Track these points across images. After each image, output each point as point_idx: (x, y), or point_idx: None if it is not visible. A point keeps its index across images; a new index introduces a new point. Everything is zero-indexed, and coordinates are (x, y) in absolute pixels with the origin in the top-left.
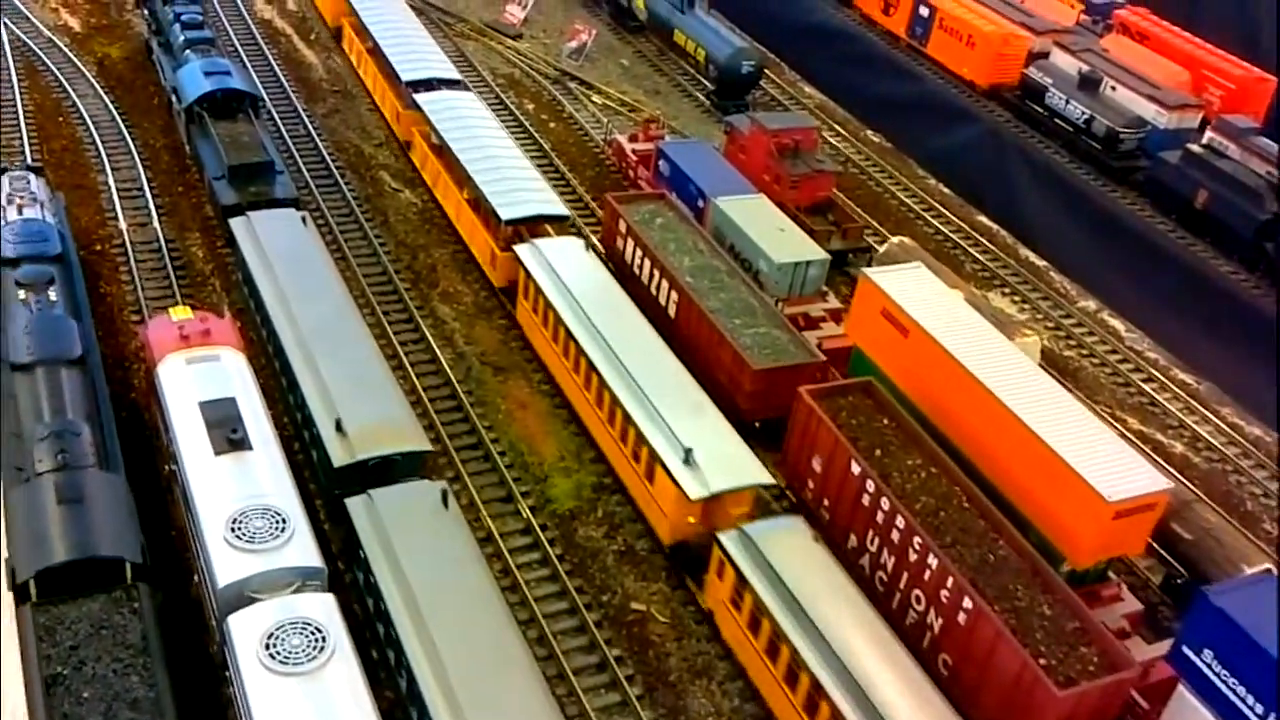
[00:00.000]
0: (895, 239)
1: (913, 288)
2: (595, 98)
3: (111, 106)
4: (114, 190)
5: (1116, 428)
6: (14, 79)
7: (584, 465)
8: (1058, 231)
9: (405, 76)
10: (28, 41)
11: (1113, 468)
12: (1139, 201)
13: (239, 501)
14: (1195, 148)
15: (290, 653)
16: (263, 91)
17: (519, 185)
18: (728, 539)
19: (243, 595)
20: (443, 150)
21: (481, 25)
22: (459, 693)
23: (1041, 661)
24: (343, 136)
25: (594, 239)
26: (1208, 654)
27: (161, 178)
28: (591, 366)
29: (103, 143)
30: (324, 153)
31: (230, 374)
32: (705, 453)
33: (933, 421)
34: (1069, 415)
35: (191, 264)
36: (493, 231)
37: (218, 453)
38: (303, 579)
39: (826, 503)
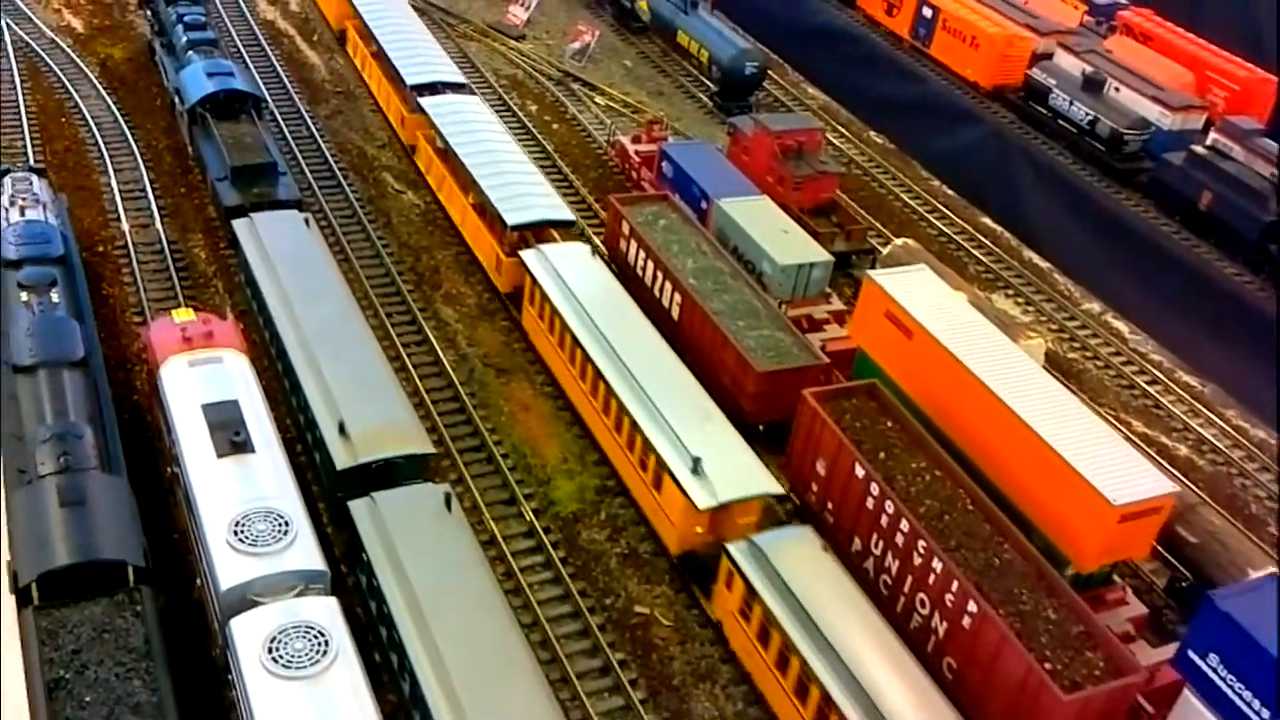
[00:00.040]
0: (899, 241)
1: (917, 290)
2: (598, 99)
3: (114, 107)
4: (116, 191)
5: (1120, 430)
6: (16, 80)
7: (587, 467)
8: (1061, 233)
9: (410, 80)
10: (30, 42)
11: (1118, 471)
12: (1143, 203)
13: (241, 504)
14: (1199, 149)
15: (293, 656)
16: (265, 92)
17: (525, 190)
18: (736, 549)
19: (245, 598)
20: (448, 155)
21: (484, 26)
22: (462, 696)
23: (1047, 666)
24: (345, 138)
25: (597, 240)
26: (1213, 658)
27: (164, 179)
28: (598, 374)
29: (105, 144)
30: (326, 154)
31: (233, 376)
32: (713, 462)
33: (937, 424)
34: (1074, 418)
35: (194, 265)
36: (498, 237)
37: (220, 455)
38: (305, 582)
39: (830, 506)
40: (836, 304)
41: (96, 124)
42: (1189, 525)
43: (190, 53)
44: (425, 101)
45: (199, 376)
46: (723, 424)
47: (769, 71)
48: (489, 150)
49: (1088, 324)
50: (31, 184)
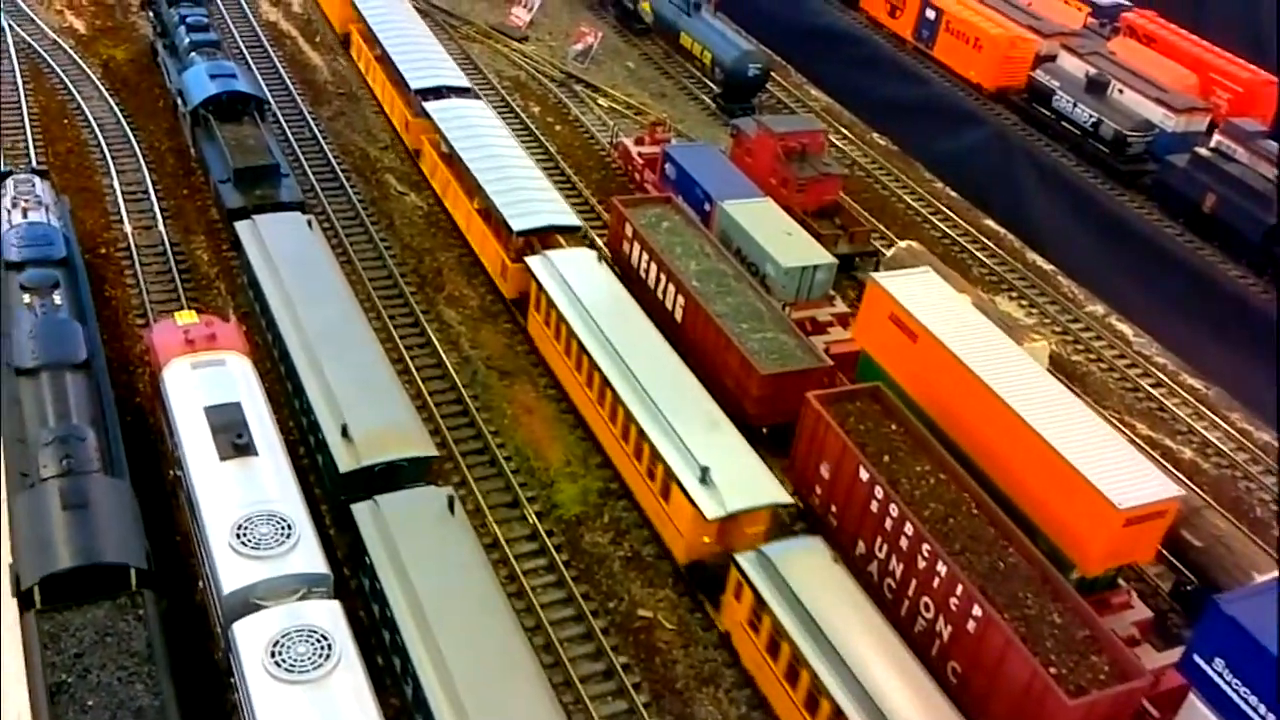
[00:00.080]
0: (903, 243)
1: (921, 292)
2: (601, 100)
3: (116, 109)
4: (119, 193)
5: (1125, 433)
6: (19, 81)
7: (590, 470)
8: (1065, 235)
9: (414, 85)
10: (33, 43)
11: (1123, 474)
12: (1146, 205)
13: (244, 507)
14: (1203, 151)
15: (296, 660)
16: (268, 94)
17: (530, 195)
18: (745, 560)
19: (248, 602)
20: (453, 159)
21: (487, 28)
22: (465, 700)
23: (1052, 670)
24: (348, 139)
25: (602, 244)
26: (1219, 662)
27: (166, 181)
28: (605, 382)
29: (108, 145)
30: (329, 155)
31: (236, 379)
32: (721, 471)
33: (941, 427)
34: (1079, 421)
35: (196, 267)
36: (504, 242)
37: (223, 458)
38: (308, 586)
39: (834, 509)
40: (840, 306)
41: (99, 125)
42: (1194, 529)
43: (193, 54)
44: (430, 106)
45: (201, 379)
46: (731, 432)
47: (772, 73)
48: (494, 155)
49: (1091, 326)
50: (34, 186)
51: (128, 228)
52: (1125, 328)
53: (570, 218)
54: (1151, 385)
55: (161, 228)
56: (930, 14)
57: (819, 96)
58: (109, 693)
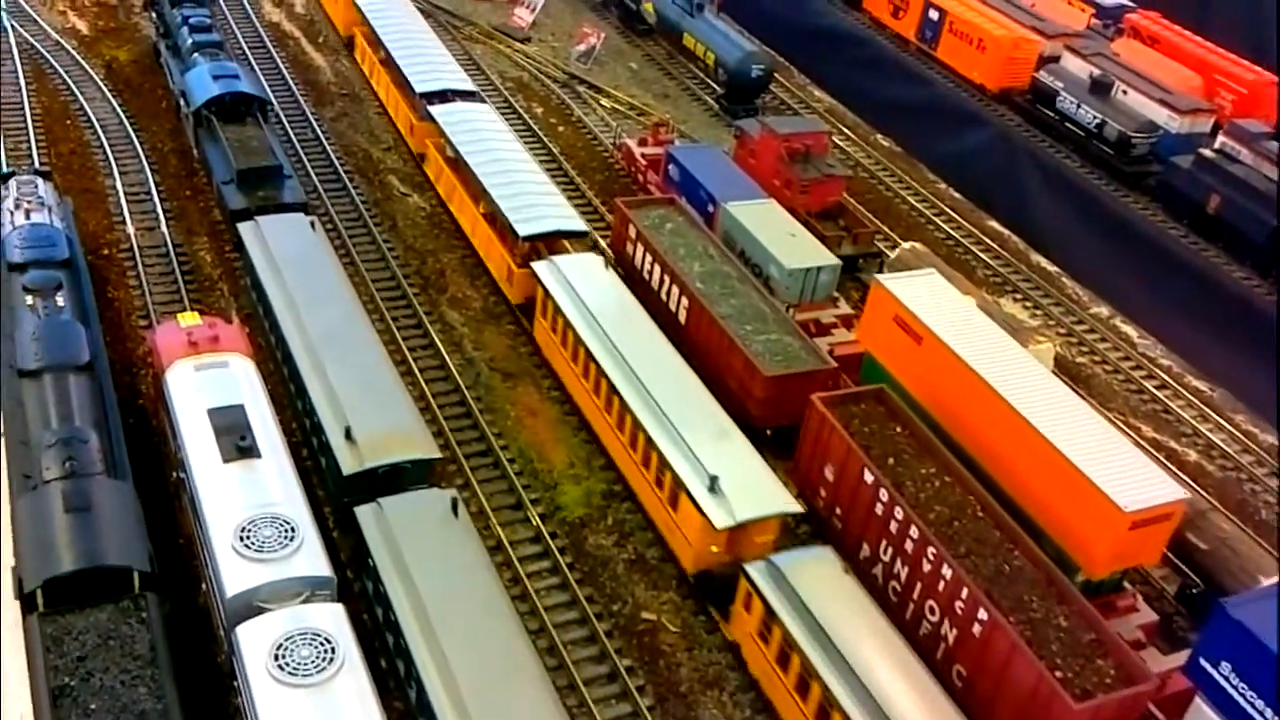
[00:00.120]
0: (907, 245)
1: (926, 294)
2: (604, 101)
3: (119, 110)
4: (121, 194)
5: (1130, 435)
6: (21, 82)
7: (594, 472)
8: (1069, 237)
9: (419, 88)
10: (35, 44)
11: (1129, 477)
12: (1151, 207)
13: (248, 510)
14: (1207, 152)
15: (299, 664)
16: (271, 95)
17: (536, 200)
18: (755, 570)
19: (251, 605)
20: (458, 164)
21: (490, 28)
22: (469, 703)
23: (1058, 674)
24: (351, 140)
25: (606, 247)
26: (1225, 666)
27: (169, 182)
28: (613, 389)
29: (110, 146)
30: (332, 157)
31: (239, 380)
32: (730, 480)
33: (946, 430)
34: (1084, 424)
35: (199, 269)
36: (509, 247)
37: (226, 460)
38: (312, 589)
39: (839, 512)
40: (844, 308)
41: (101, 126)
42: (1199, 532)
43: (195, 55)
44: (435, 110)
45: (204, 381)
46: (739, 440)
47: (775, 74)
48: (500, 159)
49: (1096, 328)
50: (36, 187)
51: (130, 229)
52: (1130, 329)
53: (577, 223)
54: (1156, 387)
55: (164, 229)
56: (933, 15)
57: (822, 97)
58: (112, 696)
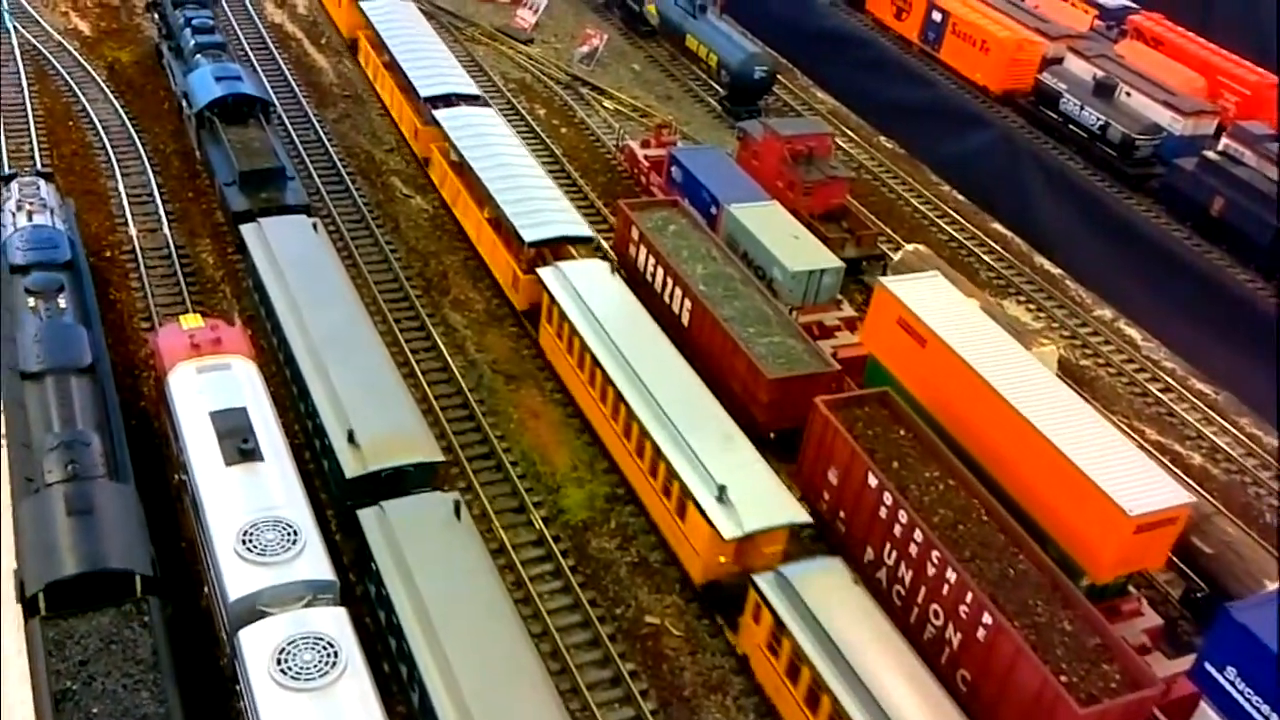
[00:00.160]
0: (910, 247)
1: (929, 297)
2: (607, 103)
3: (121, 111)
4: (124, 196)
5: (1134, 438)
6: (24, 83)
7: (597, 475)
8: (1072, 239)
9: (424, 92)
10: (38, 45)
11: (1134, 481)
12: (1154, 209)
13: (250, 513)
14: (1211, 154)
15: (302, 668)
16: (273, 96)
17: (542, 205)
18: (764, 581)
19: (254, 609)
20: (463, 168)
21: (492, 30)
22: (472, 707)
23: (1063, 678)
24: (353, 141)
25: (606, 244)
26: (1231, 671)
27: (172, 183)
28: (620, 397)
29: (113, 148)
30: (335, 158)
31: (241, 383)
32: (739, 490)
33: (950, 433)
34: (1089, 427)
35: (202, 271)
36: (515, 253)
37: (228, 463)
38: (314, 592)
39: (842, 515)
40: (847, 310)
41: (104, 128)
42: (1204, 535)
43: (198, 56)
44: (439, 114)
45: (207, 383)
46: (747, 449)
47: (778, 76)
48: (505, 164)
49: (1100, 330)
50: (39, 188)
51: (133, 231)
52: (1134, 332)
53: (583, 228)
54: (1160, 390)
55: (166, 231)
56: (936, 16)
57: (825, 99)
58: (114, 700)
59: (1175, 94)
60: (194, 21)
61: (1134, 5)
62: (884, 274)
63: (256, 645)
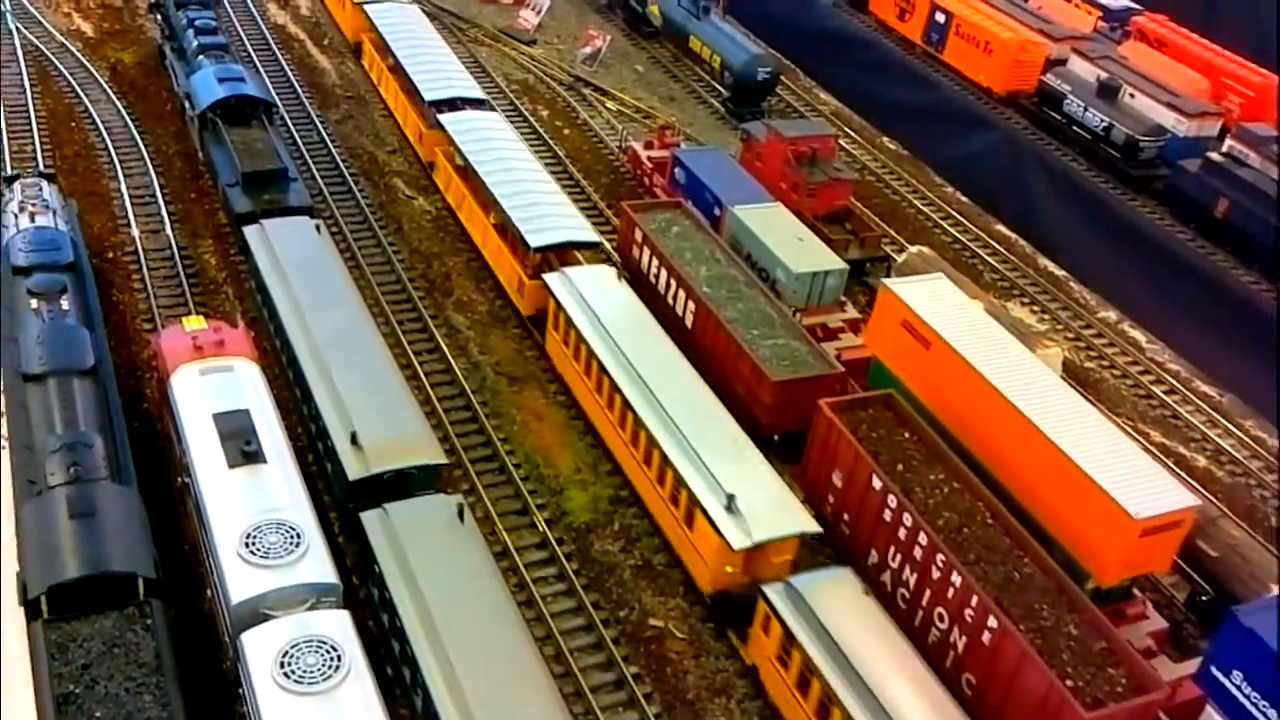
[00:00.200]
0: (914, 248)
1: (934, 299)
2: (610, 104)
3: (124, 112)
4: (126, 197)
5: (1139, 441)
6: (26, 84)
7: (600, 477)
8: (1076, 240)
9: (428, 96)
10: (40, 46)
11: (1139, 484)
12: (1158, 210)
13: (253, 516)
14: (1215, 156)
15: (305, 672)
16: (276, 98)
17: (548, 210)
18: (773, 592)
19: (257, 612)
20: (468, 172)
21: (495, 31)
22: (475, 711)
23: (1068, 683)
24: (356, 143)
25: (609, 246)
26: (1237, 675)
27: (174, 184)
28: (627, 405)
29: (115, 149)
30: (338, 159)
31: (244, 385)
32: (747, 499)
33: (955, 435)
34: (1094, 430)
35: (204, 272)
36: (520, 258)
37: (231, 466)
38: (317, 596)
39: (847, 518)
40: (851, 312)
41: (106, 129)
42: (1209, 538)
43: (201, 57)
44: (444, 118)
45: (210, 385)
46: (756, 458)
47: (781, 77)
48: (510, 169)
49: (1104, 332)
50: (41, 190)
51: (135, 232)
52: (1138, 334)
53: (589, 234)
54: (1165, 392)
55: (169, 232)
56: (940, 17)
57: (828, 100)
58: (117, 704)
59: (1179, 95)
60: (197, 22)
61: (1137, 6)
62: (888, 276)
63: (259, 648)
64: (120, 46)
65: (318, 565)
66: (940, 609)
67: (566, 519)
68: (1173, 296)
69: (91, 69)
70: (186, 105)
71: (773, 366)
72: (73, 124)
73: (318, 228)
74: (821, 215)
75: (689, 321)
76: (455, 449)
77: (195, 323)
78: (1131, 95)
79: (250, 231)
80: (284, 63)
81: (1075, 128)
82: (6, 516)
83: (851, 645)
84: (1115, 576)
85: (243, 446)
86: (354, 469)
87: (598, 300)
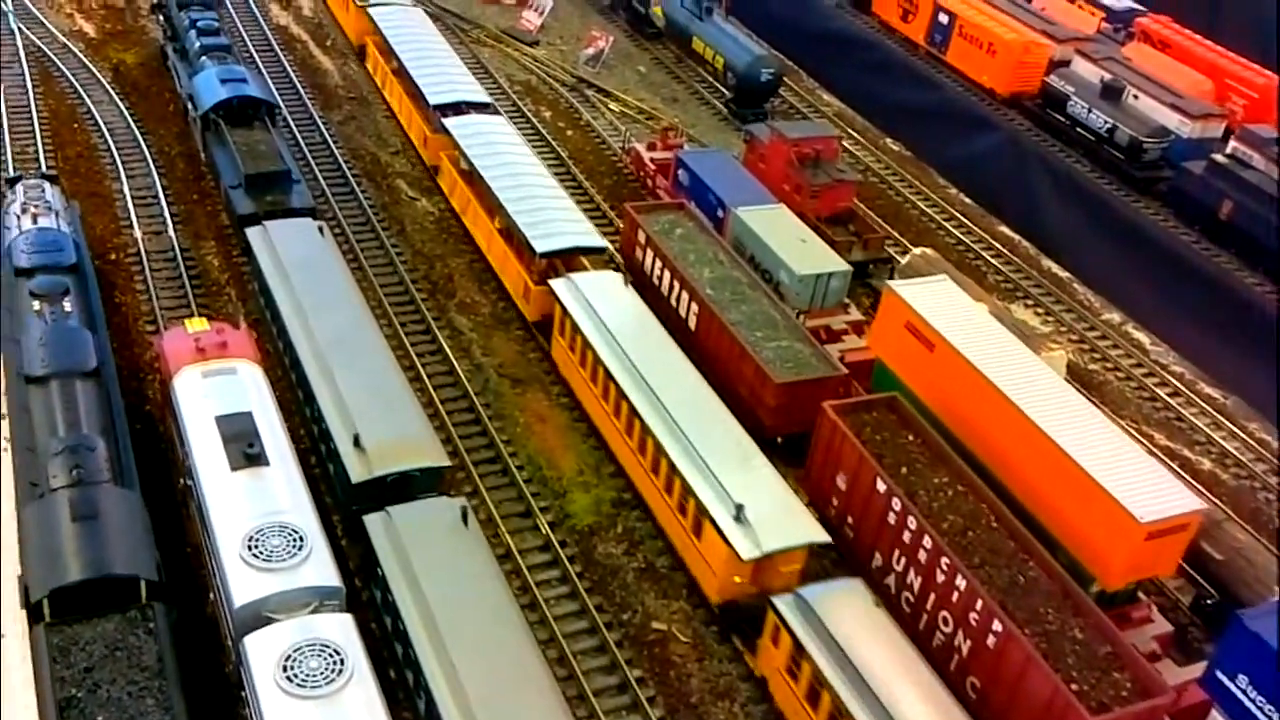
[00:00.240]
0: (918, 250)
1: (937, 301)
2: (612, 105)
3: (126, 113)
4: (129, 198)
5: (1143, 444)
6: (28, 85)
7: (603, 480)
8: (1080, 242)
9: (433, 100)
10: (43, 47)
11: (1144, 487)
12: (1162, 212)
13: (256, 519)
14: (1219, 158)
15: (308, 675)
16: (279, 99)
17: (553, 215)
18: (783, 604)
19: (260, 615)
20: (473, 177)
21: (498, 32)
22: (478, 714)
23: (1073, 687)
24: (359, 144)
25: (611, 247)
26: (1242, 679)
27: (177, 186)
28: (634, 412)
29: (118, 150)
30: (340, 160)
31: (247, 387)
32: (756, 509)
33: (959, 438)
34: (1099, 432)
35: (207, 274)
36: (526, 264)
37: (234, 468)
38: (320, 599)
39: (850, 521)
40: (855, 314)
41: (109, 130)
42: (1214, 542)
43: (203, 58)
44: (449, 122)
45: (212, 387)
46: (764, 467)
47: (784, 78)
48: (516, 173)
49: (1108, 335)
50: (43, 191)
51: (138, 233)
52: (1142, 336)
53: (595, 239)
54: (1169, 395)
55: (172, 233)
56: (943, 19)
57: (831, 101)
58: (119, 708)
59: (1183, 97)
60: (199, 23)
61: (1141, 8)
62: (891, 278)
63: (262, 652)
64: (122, 47)
65: (320, 568)
66: (945, 613)
67: (569, 521)
68: (1177, 298)
69: (94, 70)
70: (189, 106)
71: (776, 369)
72: (75, 125)
73: (320, 229)
74: (825, 217)
75: (692, 323)
76: (458, 451)
77: (198, 324)
78: (1135, 97)
79: (253, 233)
80: (286, 64)
81: (1079, 129)
82: (8, 519)
83: (862, 658)
84: (1121, 580)
85: (245, 449)
86: (357, 471)
87: (604, 307)
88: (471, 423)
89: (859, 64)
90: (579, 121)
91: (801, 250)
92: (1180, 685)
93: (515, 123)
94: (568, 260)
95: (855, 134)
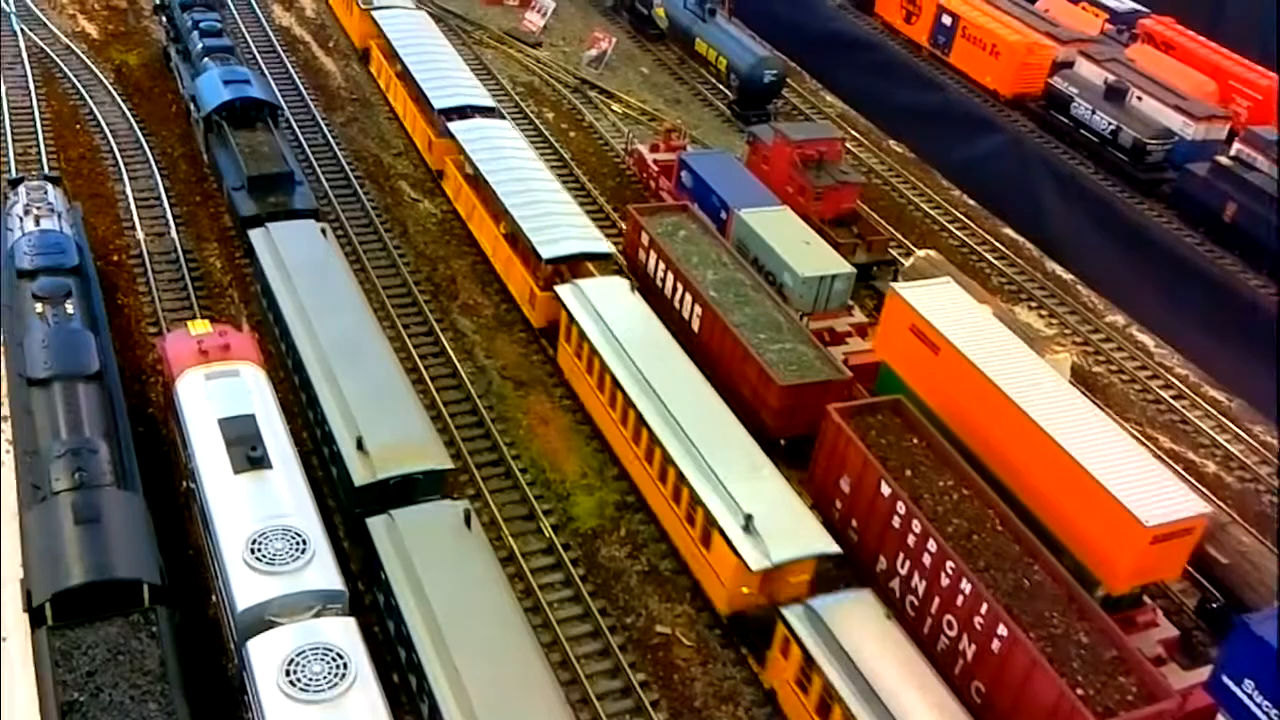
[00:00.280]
0: (922, 252)
1: (942, 303)
2: (615, 106)
3: (129, 115)
4: (131, 200)
5: (1148, 446)
6: (31, 86)
7: (606, 482)
8: (1084, 244)
9: (437, 104)
10: (45, 48)
11: (1150, 490)
12: (1166, 214)
13: (259, 522)
14: (1223, 159)
15: (311, 680)
16: (281, 100)
17: (559, 221)
18: (793, 615)
19: (262, 619)
20: (478, 181)
21: (501, 33)
22: (482, 718)
23: (1079, 691)
24: (361, 145)
25: (614, 248)
26: (1248, 684)
27: (179, 187)
28: (641, 420)
29: (120, 152)
30: (343, 162)
31: (250, 390)
32: (765, 519)
33: (964, 441)
34: (1104, 435)
35: (209, 275)
36: (532, 270)
37: (237, 471)
38: (323, 602)
39: (854, 524)
40: (858, 316)
41: (111, 131)
42: (1219, 545)
43: (206, 60)
44: (454, 127)
45: (215, 390)
46: (774, 476)
47: (787, 79)
48: (521, 178)
49: (1112, 337)
50: (46, 193)
51: (140, 235)
52: (1146, 338)
53: (602, 245)
54: (1173, 397)
55: (174, 235)
56: (946, 20)
57: (834, 103)
58: (121, 712)
59: (1186, 98)
60: (202, 24)
61: (1144, 9)
62: (895, 280)
63: (265, 656)
64: (125, 48)
65: (324, 571)
66: (949, 616)
67: (573, 524)
68: (1181, 300)
69: (96, 71)
70: (191, 108)
71: (780, 371)
72: (77, 126)
73: (323, 231)
74: (828, 219)
75: (695, 325)
76: (461, 454)
77: (200, 327)
78: (1139, 98)
79: (256, 235)
80: (289, 65)
81: (1082, 131)
82: (10, 522)
83: (873, 671)
84: (1126, 584)
85: (248, 452)
86: (360, 474)
87: (611, 313)
88: (474, 425)
89: (862, 65)
90: (582, 123)
91: (805, 252)
92: (1185, 690)
93: (518, 124)
94: (574, 266)
95: (858, 135)
